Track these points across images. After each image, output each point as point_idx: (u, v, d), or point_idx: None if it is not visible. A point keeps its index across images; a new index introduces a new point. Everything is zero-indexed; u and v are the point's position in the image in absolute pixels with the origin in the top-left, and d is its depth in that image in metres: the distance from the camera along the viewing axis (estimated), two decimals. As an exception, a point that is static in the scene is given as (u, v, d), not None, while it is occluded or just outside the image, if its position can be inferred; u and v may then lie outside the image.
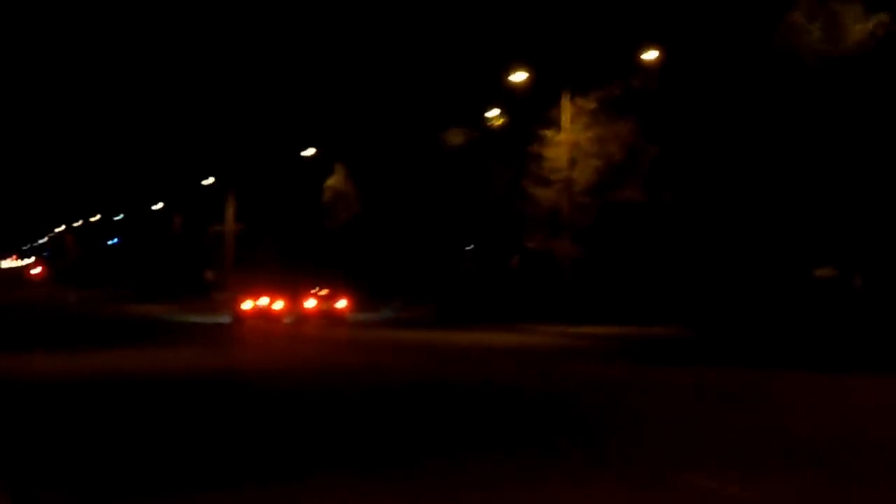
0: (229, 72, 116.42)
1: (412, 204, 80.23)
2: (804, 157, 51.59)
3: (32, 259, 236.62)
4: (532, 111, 63.76)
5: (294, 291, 71.45)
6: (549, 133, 61.96)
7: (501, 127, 71.07)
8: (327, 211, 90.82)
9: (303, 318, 67.54)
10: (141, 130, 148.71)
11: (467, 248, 79.12)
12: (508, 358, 37.93)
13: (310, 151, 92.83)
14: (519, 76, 62.92)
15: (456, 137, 73.98)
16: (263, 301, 69.51)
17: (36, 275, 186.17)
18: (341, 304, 69.16)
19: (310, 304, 69.42)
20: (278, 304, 69.78)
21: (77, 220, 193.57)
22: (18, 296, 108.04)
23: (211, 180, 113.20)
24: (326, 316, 67.77)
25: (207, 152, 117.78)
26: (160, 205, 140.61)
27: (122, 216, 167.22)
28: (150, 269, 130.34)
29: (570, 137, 60.87)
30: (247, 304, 68.78)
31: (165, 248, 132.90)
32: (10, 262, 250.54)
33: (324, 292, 70.28)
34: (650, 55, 58.84)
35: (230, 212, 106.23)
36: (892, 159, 49.77)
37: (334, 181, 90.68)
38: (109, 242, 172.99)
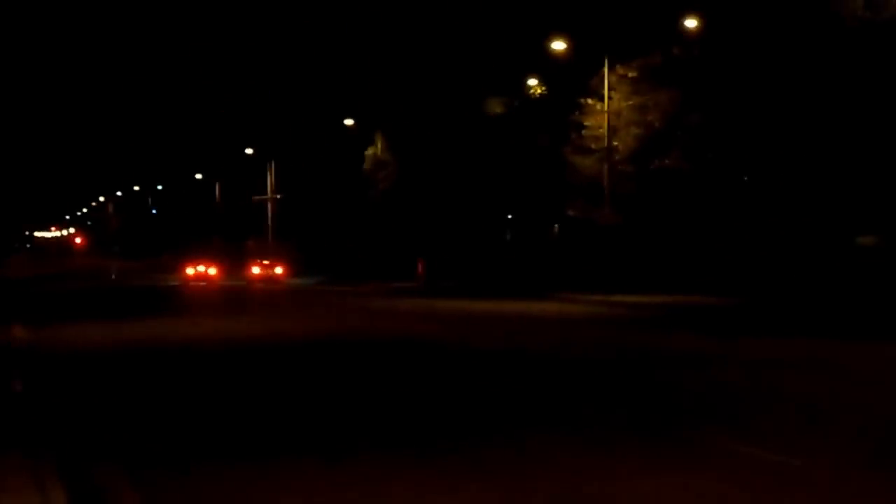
0: (270, 41, 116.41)
1: (451, 173, 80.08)
2: (848, 124, 51.28)
3: (73, 229, 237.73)
4: (573, 80, 63.57)
5: (242, 258, 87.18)
6: (589, 102, 61.84)
7: (542, 96, 70.85)
8: (367, 180, 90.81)
9: (249, 281, 78.46)
10: (181, 101, 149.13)
11: (506, 217, 78.93)
12: (535, 327, 37.87)
13: (349, 121, 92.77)
14: (559, 45, 62.65)
15: (496, 106, 73.77)
16: (201, 268, 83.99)
17: (79, 244, 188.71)
18: (278, 270, 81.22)
19: (255, 269, 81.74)
20: (212, 270, 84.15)
21: (118, 191, 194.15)
22: (65, 265, 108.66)
23: (251, 151, 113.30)
24: (268, 280, 79.04)
25: (248, 122, 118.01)
26: (200, 175, 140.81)
27: (161, 186, 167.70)
28: (190, 239, 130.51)
29: (610, 106, 60.69)
30: (190, 270, 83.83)
31: (206, 217, 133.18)
32: (51, 233, 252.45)
33: (266, 261, 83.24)
34: (691, 23, 58.44)
35: (271, 181, 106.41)
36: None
37: (374, 150, 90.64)
38: (150, 212, 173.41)
